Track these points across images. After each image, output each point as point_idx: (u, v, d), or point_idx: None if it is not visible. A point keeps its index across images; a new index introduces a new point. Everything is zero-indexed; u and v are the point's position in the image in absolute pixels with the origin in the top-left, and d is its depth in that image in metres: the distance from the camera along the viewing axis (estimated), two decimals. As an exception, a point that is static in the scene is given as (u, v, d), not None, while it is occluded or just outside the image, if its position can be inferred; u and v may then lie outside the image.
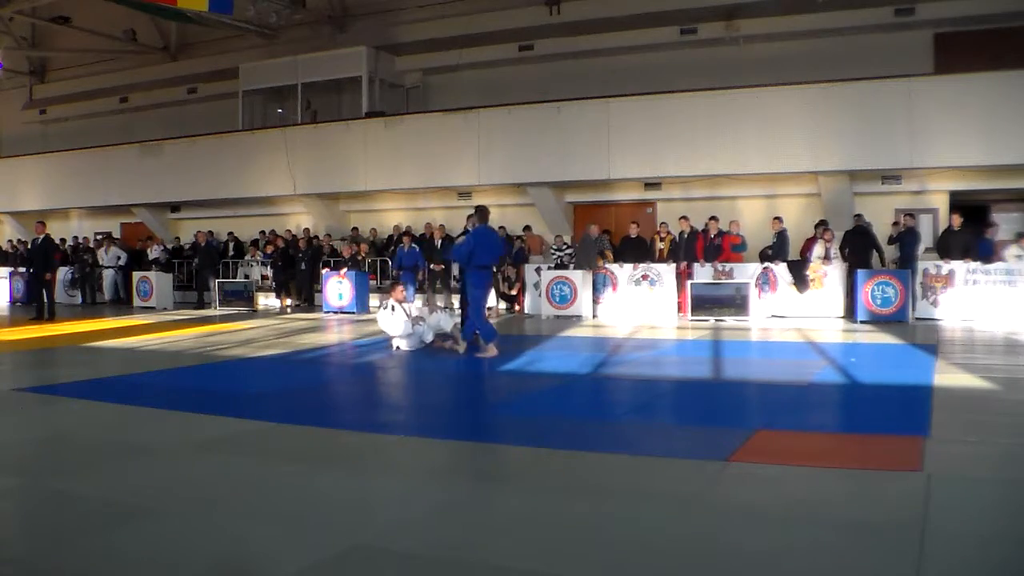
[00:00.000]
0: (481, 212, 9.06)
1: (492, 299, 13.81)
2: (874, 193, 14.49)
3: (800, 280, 12.66)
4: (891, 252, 13.20)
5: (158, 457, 4.46)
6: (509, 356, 8.55)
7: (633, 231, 14.23)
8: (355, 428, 5.28)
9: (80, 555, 2.98)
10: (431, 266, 15.19)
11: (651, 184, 15.79)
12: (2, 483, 4.00)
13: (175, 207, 20.56)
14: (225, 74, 20.16)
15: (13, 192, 21.62)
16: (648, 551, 2.97)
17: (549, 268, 14.16)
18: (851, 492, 3.70)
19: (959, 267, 11.91)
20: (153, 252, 18.38)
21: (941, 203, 14.41)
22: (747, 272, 12.99)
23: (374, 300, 16.13)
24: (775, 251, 13.25)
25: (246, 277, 17.50)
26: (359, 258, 15.70)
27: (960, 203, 13.82)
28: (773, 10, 15.58)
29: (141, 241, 19.56)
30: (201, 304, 17.01)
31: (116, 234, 20.77)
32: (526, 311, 14.54)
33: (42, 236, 14.54)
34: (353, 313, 14.89)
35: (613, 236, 15.09)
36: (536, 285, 14.19)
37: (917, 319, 11.91)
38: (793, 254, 13.44)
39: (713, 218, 13.71)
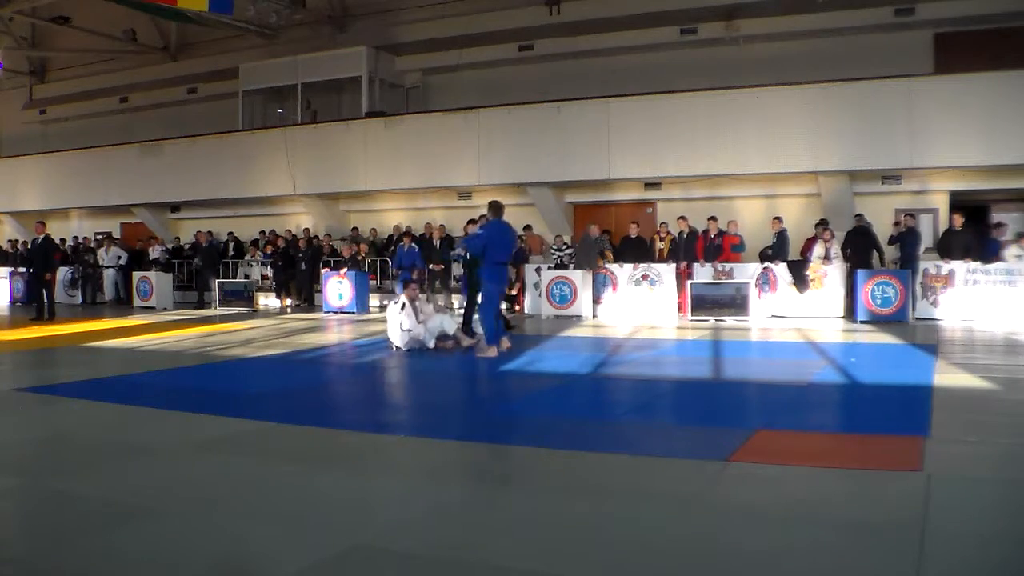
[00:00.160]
0: (496, 207, 8.87)
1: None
2: (874, 193, 14.49)
3: (800, 280, 12.66)
4: (891, 252, 13.21)
5: (158, 457, 4.46)
6: (509, 356, 8.55)
7: (633, 231, 14.23)
8: (355, 428, 5.28)
9: (80, 555, 2.98)
10: (431, 266, 15.18)
11: (651, 184, 15.79)
12: (2, 483, 4.00)
13: (175, 207, 20.56)
14: (225, 74, 20.16)
15: (13, 192, 21.63)
16: (648, 551, 2.97)
17: (549, 268, 14.16)
18: (851, 492, 3.70)
19: (959, 267, 11.91)
20: (154, 252, 18.39)
21: (941, 203, 14.41)
22: (747, 272, 12.99)
23: (374, 300, 16.15)
24: (775, 251, 13.26)
25: (246, 277, 17.50)
26: (359, 258, 15.70)
27: (960, 203, 13.82)
28: (773, 10, 15.58)
29: (141, 241, 19.58)
30: (201, 304, 17.01)
31: (116, 234, 20.77)
32: (526, 311, 14.54)
33: (42, 236, 14.54)
34: (353, 313, 14.88)
35: (613, 236, 15.09)
36: (536, 285, 14.19)
37: (917, 319, 11.91)
38: (793, 254, 13.44)
39: (712, 218, 13.71)
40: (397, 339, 9.05)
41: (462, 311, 11.85)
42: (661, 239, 14.12)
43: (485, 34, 17.65)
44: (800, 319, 12.36)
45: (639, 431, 5.16)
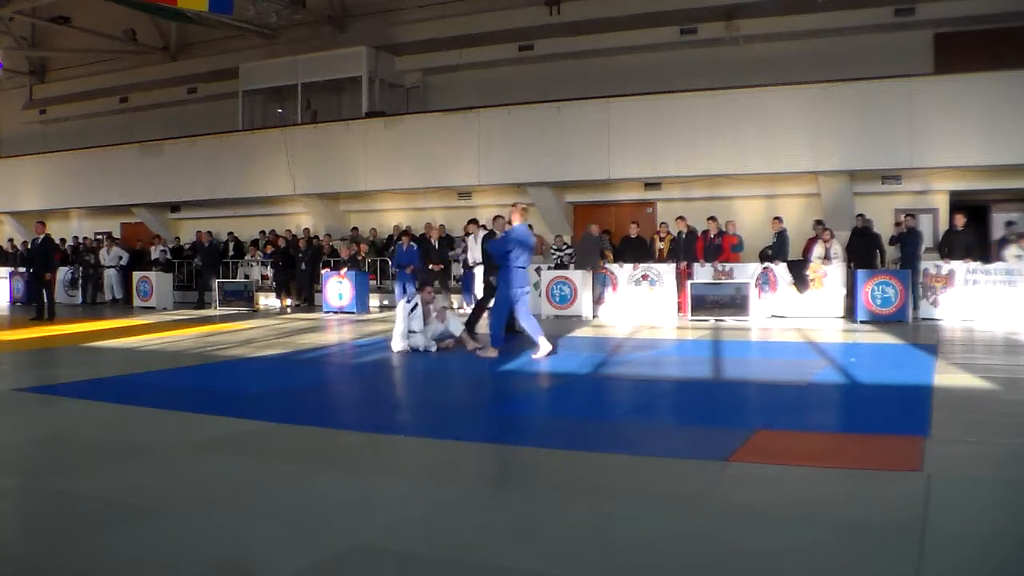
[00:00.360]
0: (522, 210, 8.68)
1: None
2: (874, 193, 14.50)
3: (800, 280, 12.67)
4: (892, 252, 13.21)
5: (158, 457, 4.45)
6: (509, 356, 8.54)
7: (633, 231, 14.24)
8: (355, 428, 5.28)
9: (80, 555, 2.98)
10: (430, 266, 15.19)
11: (651, 184, 15.79)
12: (2, 483, 4.00)
13: (175, 207, 20.57)
14: (225, 74, 20.17)
15: (13, 192, 21.63)
16: (648, 551, 2.97)
17: (549, 268, 14.16)
18: (851, 492, 3.70)
19: (959, 267, 11.92)
20: (155, 252, 18.41)
21: (941, 203, 14.42)
22: (747, 272, 12.99)
23: (374, 300, 16.16)
24: (775, 251, 13.26)
25: (246, 277, 17.51)
26: (359, 258, 15.70)
27: (960, 203, 13.83)
28: (773, 10, 15.59)
29: (141, 241, 19.59)
30: (201, 304, 17.01)
31: (116, 234, 20.76)
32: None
33: (42, 236, 14.54)
34: (353, 313, 14.88)
35: (613, 236, 15.10)
36: (536, 285, 14.17)
37: (917, 319, 11.91)
38: (794, 254, 13.44)
39: (712, 218, 13.71)
40: (399, 340, 8.97)
41: (462, 310, 11.88)
42: (661, 239, 14.13)
43: (485, 34, 17.66)
44: (800, 319, 12.37)
45: (639, 431, 5.16)
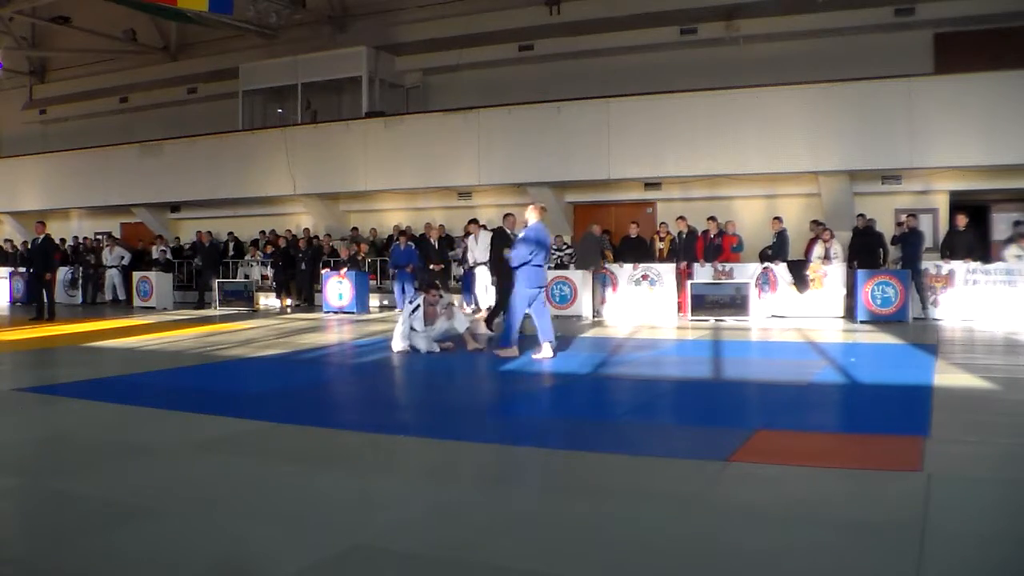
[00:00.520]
0: (540, 209, 8.63)
1: (492, 299, 13.81)
2: (874, 193, 14.50)
3: (800, 280, 12.66)
4: (893, 252, 13.19)
5: (158, 457, 4.45)
6: (509, 356, 8.54)
7: (633, 231, 14.23)
8: (355, 428, 5.28)
9: (80, 555, 2.98)
10: (431, 266, 15.19)
11: (651, 184, 15.79)
12: (2, 483, 4.00)
13: (175, 207, 20.57)
14: (225, 74, 20.16)
15: (13, 192, 21.63)
16: (648, 551, 2.97)
17: (549, 268, 14.14)
18: (851, 492, 3.70)
19: (959, 267, 11.92)
20: (157, 252, 18.40)
21: (941, 203, 14.42)
22: (747, 272, 12.99)
23: (374, 300, 16.15)
24: (775, 251, 13.26)
25: (246, 277, 17.50)
26: (359, 258, 15.70)
27: (960, 203, 13.83)
28: (773, 10, 15.59)
29: (142, 241, 19.58)
30: (201, 304, 17.02)
31: (116, 234, 20.75)
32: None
33: (42, 236, 14.54)
34: (353, 313, 14.88)
35: (613, 236, 15.09)
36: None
37: (918, 319, 11.91)
38: (795, 254, 13.44)
39: (712, 218, 13.71)
40: (399, 340, 8.97)
41: (472, 308, 11.86)
42: (661, 239, 14.13)
43: (485, 34, 17.66)
44: (800, 319, 12.36)
45: (639, 431, 5.16)
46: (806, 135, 13.71)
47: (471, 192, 17.16)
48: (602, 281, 13.65)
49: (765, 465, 4.10)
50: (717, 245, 13.43)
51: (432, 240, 15.75)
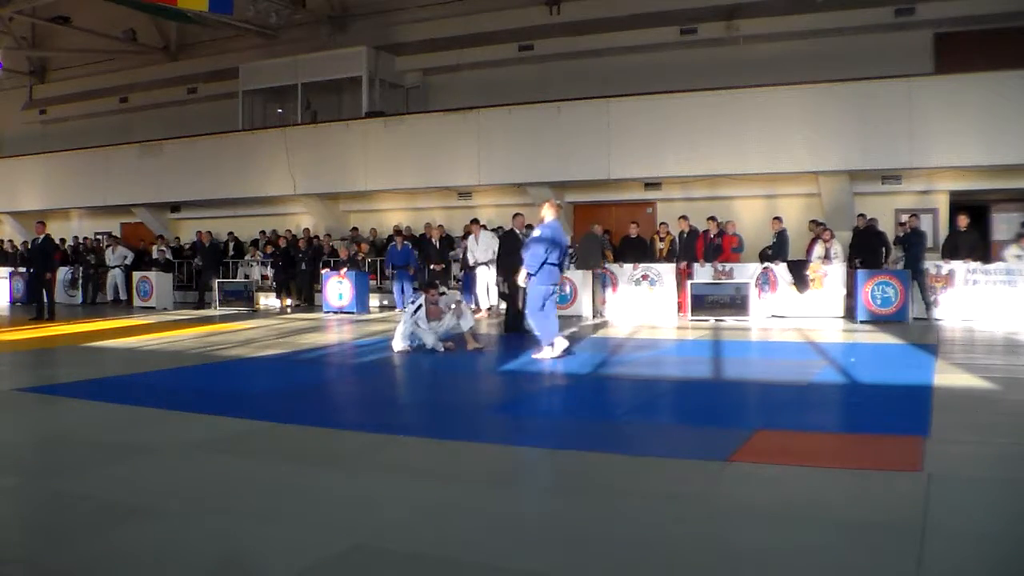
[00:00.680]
0: (555, 206, 8.53)
1: (493, 298, 13.83)
2: (874, 193, 14.50)
3: (800, 280, 12.66)
4: (895, 253, 13.19)
5: (158, 457, 4.45)
6: (510, 356, 8.55)
7: (633, 231, 14.23)
8: (355, 428, 5.28)
9: (80, 555, 2.98)
10: (431, 266, 15.19)
11: (651, 184, 15.79)
12: (2, 483, 4.00)
13: (175, 207, 20.57)
14: (225, 74, 20.17)
15: (13, 192, 21.64)
16: (648, 551, 2.97)
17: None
18: (851, 492, 3.69)
19: (959, 267, 11.91)
20: (156, 252, 18.40)
21: (941, 203, 14.42)
22: (747, 272, 12.99)
23: (374, 300, 16.15)
24: (775, 251, 13.26)
25: (246, 277, 17.51)
26: (359, 258, 15.70)
27: (960, 203, 13.83)
28: (773, 10, 15.59)
29: (143, 241, 19.58)
30: (201, 304, 17.01)
31: (116, 234, 20.75)
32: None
33: (42, 236, 14.54)
34: (353, 313, 14.88)
35: (613, 236, 15.09)
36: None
37: (919, 319, 11.91)
38: (795, 254, 13.44)
39: (712, 218, 13.70)
40: (400, 339, 8.96)
41: (472, 308, 11.85)
42: (661, 239, 14.12)
43: (485, 34, 17.67)
44: (800, 319, 12.36)
45: (639, 431, 5.16)
46: (806, 135, 13.71)
47: (471, 192, 17.16)
48: (602, 281, 13.65)
49: (765, 465, 4.10)
50: (717, 245, 13.43)
51: (434, 240, 15.74)
